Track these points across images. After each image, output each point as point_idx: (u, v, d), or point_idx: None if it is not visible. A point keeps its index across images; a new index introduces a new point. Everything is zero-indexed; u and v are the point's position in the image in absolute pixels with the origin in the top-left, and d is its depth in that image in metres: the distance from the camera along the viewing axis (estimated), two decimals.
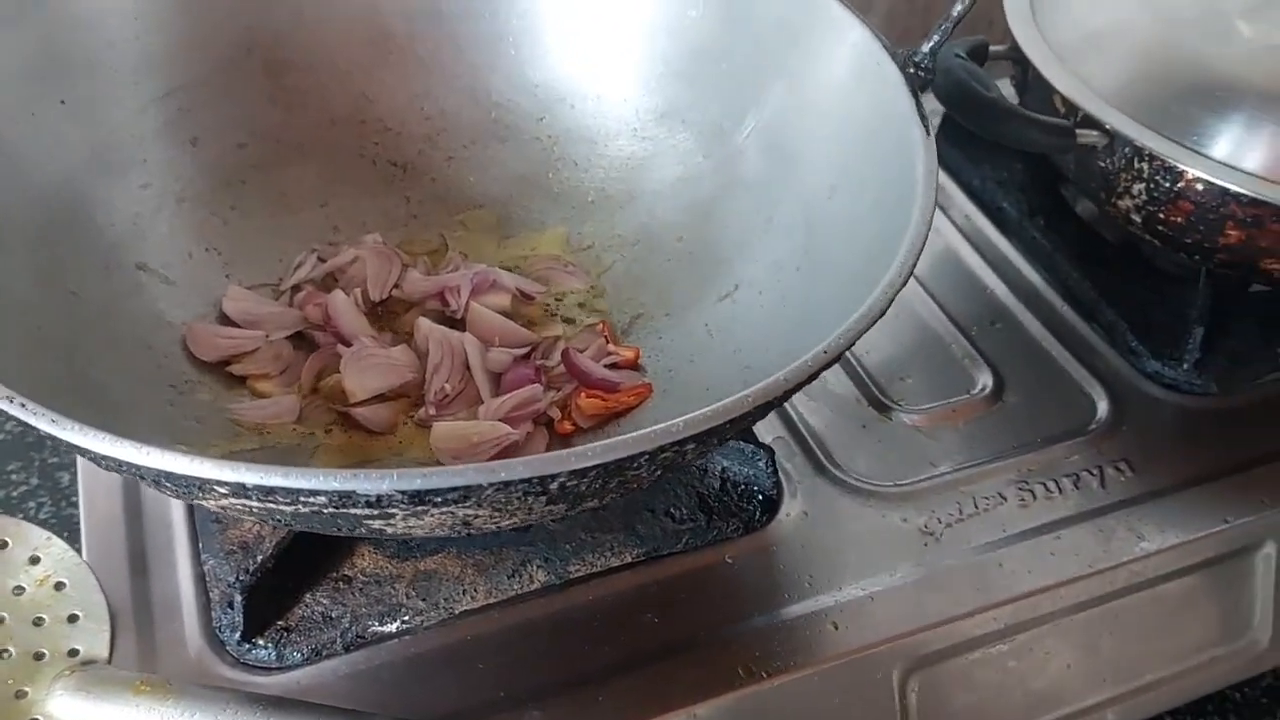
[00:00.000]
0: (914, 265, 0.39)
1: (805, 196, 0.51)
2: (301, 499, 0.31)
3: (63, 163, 0.48)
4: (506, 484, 0.32)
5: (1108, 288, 0.61)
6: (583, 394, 0.49)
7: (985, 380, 0.57)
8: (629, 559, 0.48)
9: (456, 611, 0.46)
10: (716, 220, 0.55)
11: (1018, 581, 0.49)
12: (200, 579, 0.46)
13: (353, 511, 0.33)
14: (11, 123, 0.46)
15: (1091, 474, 0.54)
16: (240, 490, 0.31)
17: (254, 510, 0.34)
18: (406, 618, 0.45)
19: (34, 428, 0.32)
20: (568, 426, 0.49)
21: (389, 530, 0.35)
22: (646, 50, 0.57)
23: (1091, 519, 0.52)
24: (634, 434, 0.32)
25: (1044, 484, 0.53)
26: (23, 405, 0.32)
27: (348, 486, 0.30)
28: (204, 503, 0.34)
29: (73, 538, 0.60)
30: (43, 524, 0.61)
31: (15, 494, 0.62)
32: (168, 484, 0.32)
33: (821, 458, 0.53)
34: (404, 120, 0.58)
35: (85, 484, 0.51)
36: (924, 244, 0.40)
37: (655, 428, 0.33)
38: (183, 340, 0.49)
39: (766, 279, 0.50)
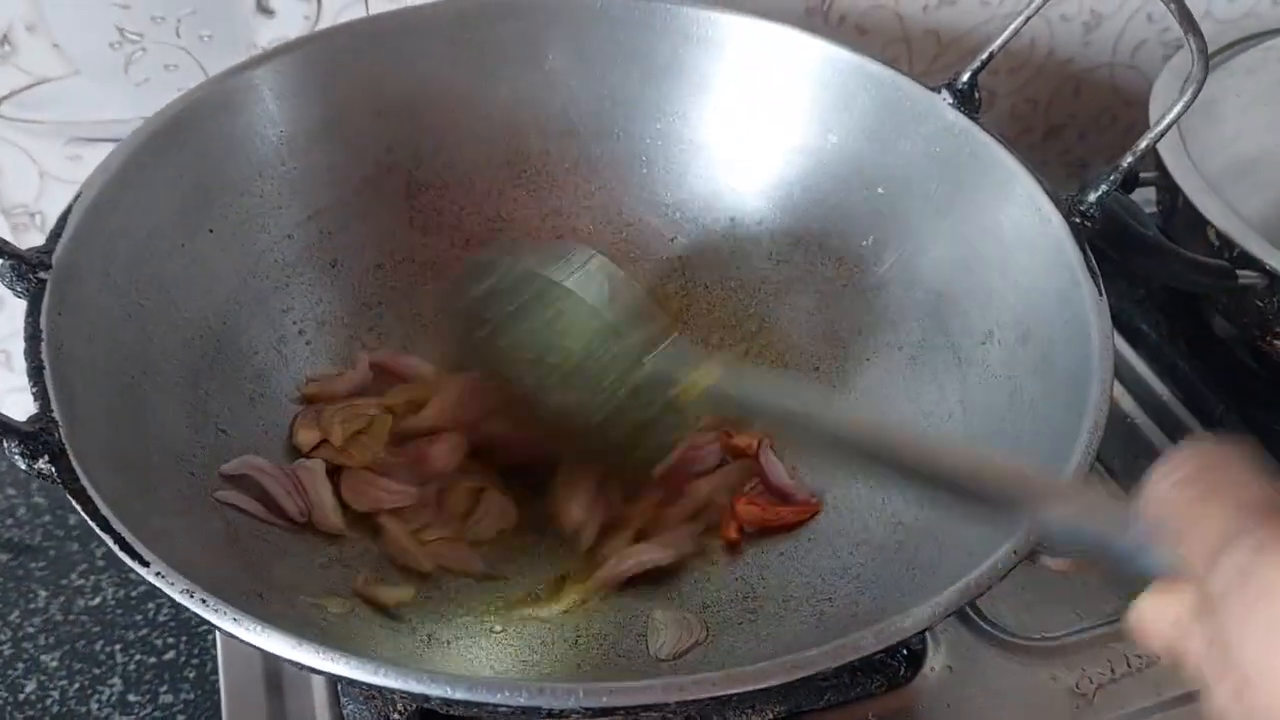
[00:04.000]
0: (1095, 453, 0.37)
1: (955, 340, 0.49)
2: (482, 707, 0.31)
3: (211, 293, 0.49)
4: (691, 701, 0.31)
5: (1256, 421, 0.59)
6: (743, 500, 0.49)
7: None
8: (771, 716, 0.46)
9: None
10: (855, 355, 0.54)
11: None
12: (339, 719, 0.46)
13: (529, 718, 0.32)
14: (168, 258, 0.46)
15: None
16: (421, 699, 0.30)
17: (429, 707, 0.33)
18: None
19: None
20: (733, 533, 0.49)
21: None
22: (782, 173, 0.56)
23: None
24: (824, 648, 0.31)
25: None
26: (204, 601, 0.31)
27: (534, 703, 0.30)
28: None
29: (191, 642, 0.60)
30: (162, 626, 0.62)
31: (135, 594, 0.63)
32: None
33: (966, 606, 0.51)
34: (536, 239, 0.58)
35: None
36: (1104, 426, 0.38)
37: (841, 642, 0.32)
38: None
39: (914, 423, 0.49)
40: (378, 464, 0.49)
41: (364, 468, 0.49)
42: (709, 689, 0.30)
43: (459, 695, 0.30)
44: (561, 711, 0.30)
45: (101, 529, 0.33)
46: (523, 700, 0.30)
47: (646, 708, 0.30)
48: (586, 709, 0.30)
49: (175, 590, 0.31)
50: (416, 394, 0.53)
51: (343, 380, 0.53)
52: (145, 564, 0.32)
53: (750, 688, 0.30)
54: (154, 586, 0.32)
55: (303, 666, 0.31)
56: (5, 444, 0.34)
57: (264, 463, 0.47)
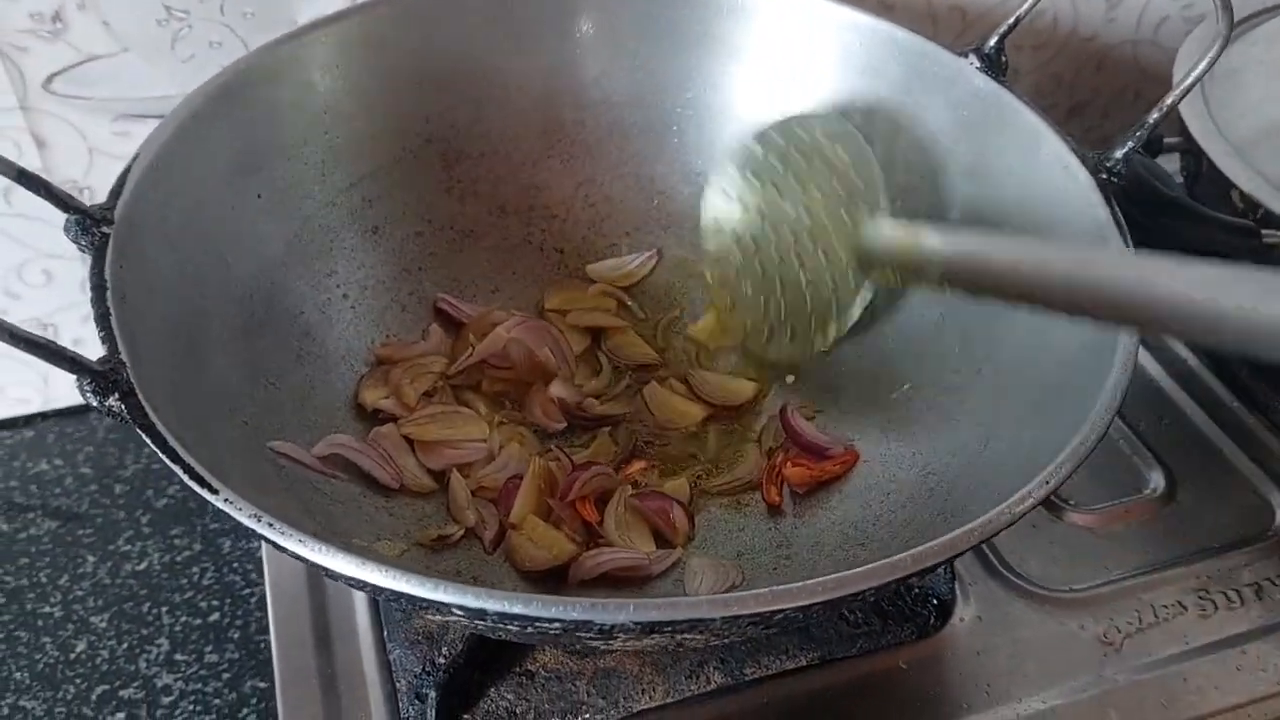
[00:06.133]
0: (1119, 405, 0.38)
1: None
2: (536, 624, 0.32)
3: (260, 256, 0.50)
4: (736, 617, 0.32)
5: None
6: (789, 464, 0.49)
7: (1157, 480, 0.56)
8: (804, 662, 0.48)
9: (635, 711, 0.46)
10: (884, 315, 0.54)
11: (1204, 699, 0.48)
12: (385, 665, 0.47)
13: (580, 635, 0.33)
14: (219, 222, 0.48)
15: (1274, 583, 0.52)
16: (479, 614, 0.32)
17: (479, 628, 0.34)
18: (587, 715, 0.45)
19: (279, 545, 0.33)
20: (775, 496, 0.50)
21: (603, 648, 0.35)
22: None
23: (1277, 632, 0.50)
24: (861, 570, 0.32)
25: (1224, 593, 0.52)
26: (270, 524, 0.33)
27: (586, 617, 0.31)
28: (431, 617, 0.35)
29: (235, 604, 0.62)
30: (206, 589, 0.63)
31: (179, 559, 0.64)
32: (401, 604, 0.33)
33: (993, 559, 0.52)
34: (570, 208, 0.60)
35: (270, 554, 0.52)
36: (1130, 378, 0.39)
37: (878, 564, 0.33)
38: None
39: (943, 380, 0.50)
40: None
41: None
42: (755, 605, 0.31)
43: (515, 610, 0.31)
44: (611, 628, 0.31)
45: (171, 460, 0.34)
46: (576, 615, 0.31)
47: (693, 623, 0.31)
48: (638, 623, 0.31)
49: (244, 515, 0.33)
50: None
51: (416, 347, 0.54)
52: (214, 491, 0.33)
53: (795, 604, 0.31)
54: (229, 531, 0.33)
55: (365, 585, 0.32)
56: (79, 382, 0.35)
57: (348, 439, 0.48)
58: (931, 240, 0.40)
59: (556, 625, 0.31)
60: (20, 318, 0.64)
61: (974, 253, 0.37)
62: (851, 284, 0.48)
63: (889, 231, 0.44)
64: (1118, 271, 0.33)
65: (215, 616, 0.61)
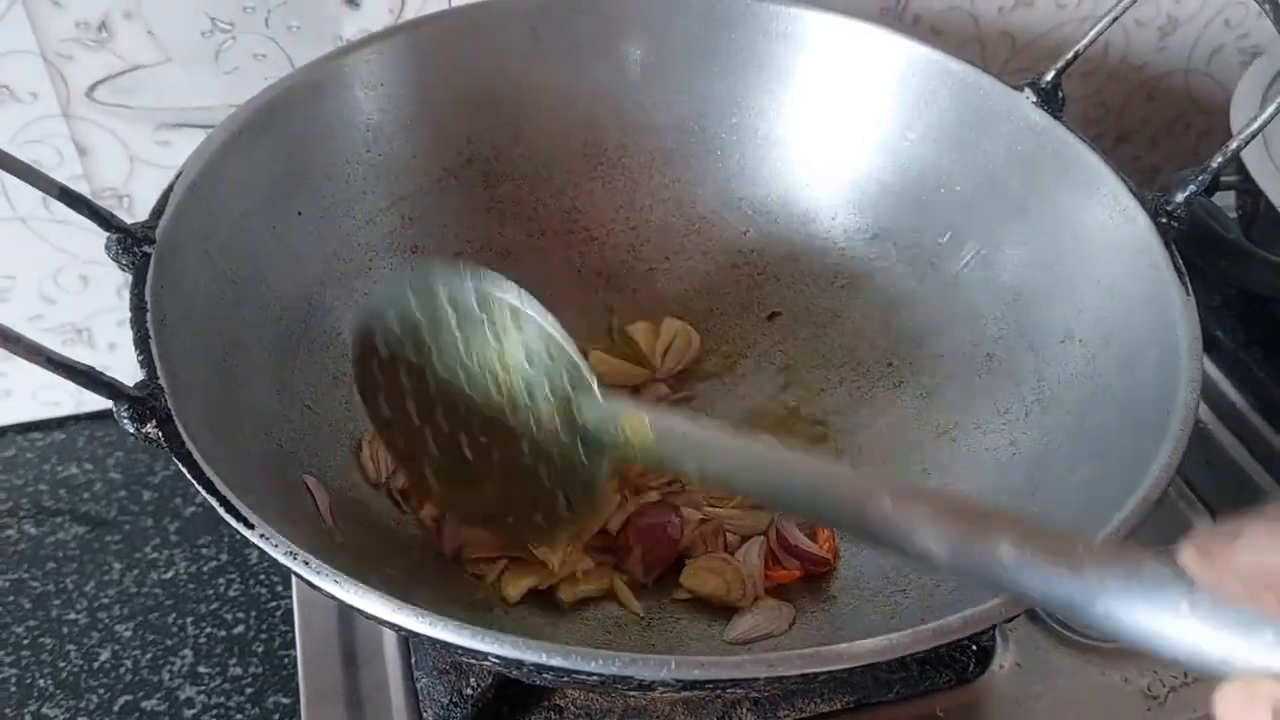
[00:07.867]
0: (1182, 454, 0.37)
1: (1033, 338, 0.49)
2: (573, 675, 0.31)
3: (299, 275, 0.50)
4: (780, 677, 0.31)
5: None
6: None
7: (1203, 526, 0.55)
8: (839, 706, 0.47)
9: None
10: (930, 350, 0.53)
11: None
12: (412, 692, 0.47)
13: (619, 687, 0.32)
14: (260, 240, 0.47)
15: None
16: (515, 664, 0.31)
17: (514, 674, 0.34)
18: None
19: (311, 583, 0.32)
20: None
21: (639, 696, 0.35)
22: (859, 169, 0.57)
23: None
24: (912, 631, 0.31)
25: None
26: (306, 564, 0.32)
27: (627, 672, 0.30)
28: (466, 660, 0.34)
29: (260, 617, 0.61)
30: (232, 601, 0.63)
31: (206, 569, 0.64)
32: (441, 650, 0.32)
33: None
34: (609, 230, 0.59)
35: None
36: (1193, 426, 0.38)
37: (925, 627, 0.32)
38: None
39: (990, 421, 0.49)
40: None
41: None
42: (800, 666, 0.30)
43: (554, 662, 0.30)
44: (651, 683, 0.31)
45: (207, 491, 0.34)
46: (615, 669, 0.30)
47: (736, 683, 0.31)
48: (679, 680, 0.30)
49: (279, 552, 0.32)
50: None
51: None
52: (250, 526, 0.33)
53: (839, 667, 0.30)
54: (259, 549, 0.33)
55: (401, 629, 0.31)
56: (115, 407, 0.35)
57: None
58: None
59: (595, 678, 0.31)
60: (56, 322, 0.64)
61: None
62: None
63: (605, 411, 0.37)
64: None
65: (240, 629, 0.61)
